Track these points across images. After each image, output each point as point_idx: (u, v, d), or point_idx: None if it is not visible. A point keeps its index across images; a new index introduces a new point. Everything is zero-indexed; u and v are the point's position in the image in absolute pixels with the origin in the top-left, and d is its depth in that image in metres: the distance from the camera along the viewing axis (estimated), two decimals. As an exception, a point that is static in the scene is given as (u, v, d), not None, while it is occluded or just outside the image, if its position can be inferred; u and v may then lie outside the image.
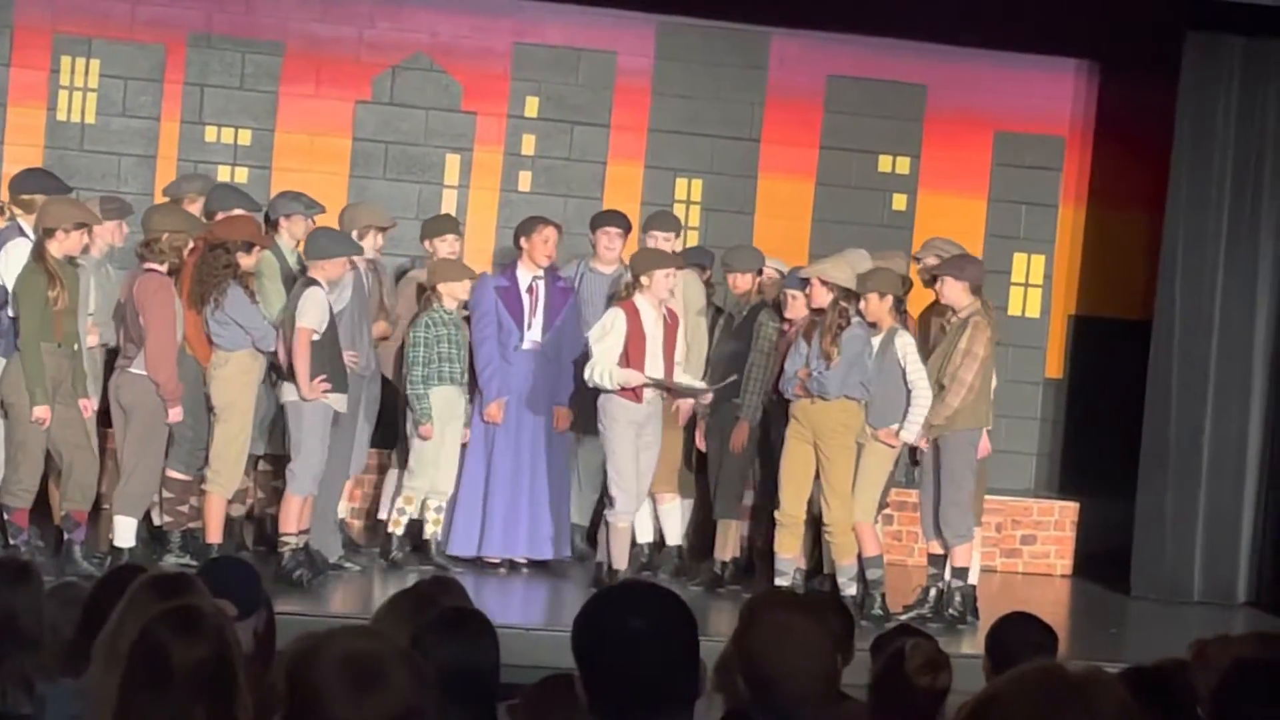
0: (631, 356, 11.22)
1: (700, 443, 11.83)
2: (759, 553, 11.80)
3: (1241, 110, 13.03)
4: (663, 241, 11.87)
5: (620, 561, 11.33)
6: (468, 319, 11.76)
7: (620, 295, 11.45)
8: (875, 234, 13.37)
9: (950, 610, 11.04)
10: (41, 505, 10.87)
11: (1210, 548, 12.99)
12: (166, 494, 11.06)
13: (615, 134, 13.91)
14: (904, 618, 10.33)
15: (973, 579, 11.20)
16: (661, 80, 13.96)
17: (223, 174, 13.26)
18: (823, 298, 10.95)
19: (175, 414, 10.76)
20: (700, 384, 11.58)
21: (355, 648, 3.42)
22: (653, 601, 3.69)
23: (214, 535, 10.90)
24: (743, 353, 11.50)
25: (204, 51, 13.49)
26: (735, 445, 11.54)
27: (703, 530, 11.96)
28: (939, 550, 11.17)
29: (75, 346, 10.61)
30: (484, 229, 13.69)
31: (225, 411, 10.89)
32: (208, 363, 10.92)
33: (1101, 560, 13.36)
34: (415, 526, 11.72)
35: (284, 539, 10.92)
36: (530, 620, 10.38)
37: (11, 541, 10.59)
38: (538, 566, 11.86)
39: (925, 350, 11.06)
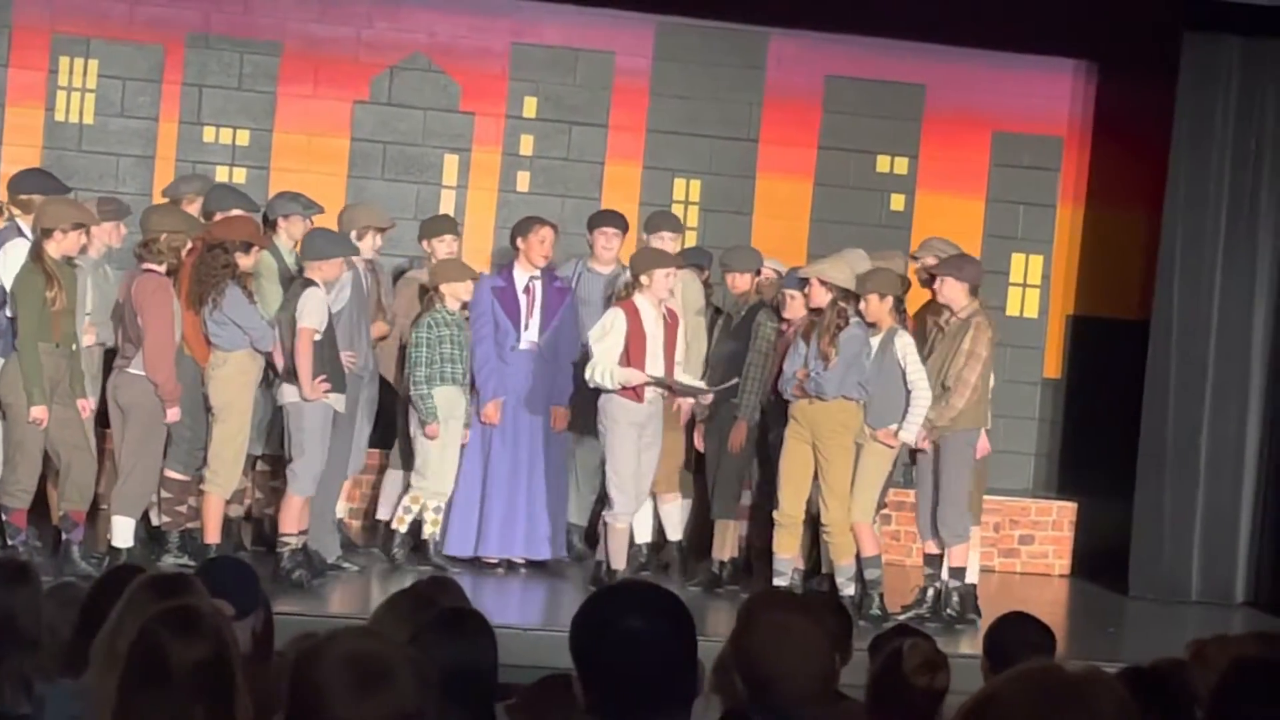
0: (632, 356, 11.21)
1: (698, 443, 11.84)
2: (757, 553, 11.79)
3: (1239, 110, 13.03)
4: (669, 242, 11.88)
5: (619, 562, 11.33)
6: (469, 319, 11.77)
7: (620, 295, 11.44)
8: (873, 234, 13.37)
9: (948, 610, 11.05)
10: (40, 505, 10.87)
11: (1208, 547, 12.98)
12: (165, 494, 11.05)
13: (613, 134, 13.90)
14: (902, 618, 10.34)
15: (972, 579, 11.20)
16: (660, 80, 13.95)
17: (221, 174, 13.26)
18: (821, 298, 10.95)
19: (173, 414, 10.75)
20: (701, 384, 11.58)
21: (359, 648, 3.42)
22: (651, 601, 3.69)
23: (212, 535, 10.90)
24: (741, 353, 11.50)
25: (202, 52, 13.49)
26: (733, 445, 11.54)
27: (701, 530, 11.97)
28: (935, 550, 11.18)
29: (73, 347, 10.61)
30: (482, 229, 13.68)
31: (223, 412, 10.89)
32: (206, 363, 10.91)
33: (1100, 560, 13.35)
34: (413, 526, 11.71)
35: (284, 539, 10.91)
36: (528, 620, 10.39)
37: (10, 542, 10.59)
38: (535, 567, 11.86)
39: (922, 349, 11.06)
